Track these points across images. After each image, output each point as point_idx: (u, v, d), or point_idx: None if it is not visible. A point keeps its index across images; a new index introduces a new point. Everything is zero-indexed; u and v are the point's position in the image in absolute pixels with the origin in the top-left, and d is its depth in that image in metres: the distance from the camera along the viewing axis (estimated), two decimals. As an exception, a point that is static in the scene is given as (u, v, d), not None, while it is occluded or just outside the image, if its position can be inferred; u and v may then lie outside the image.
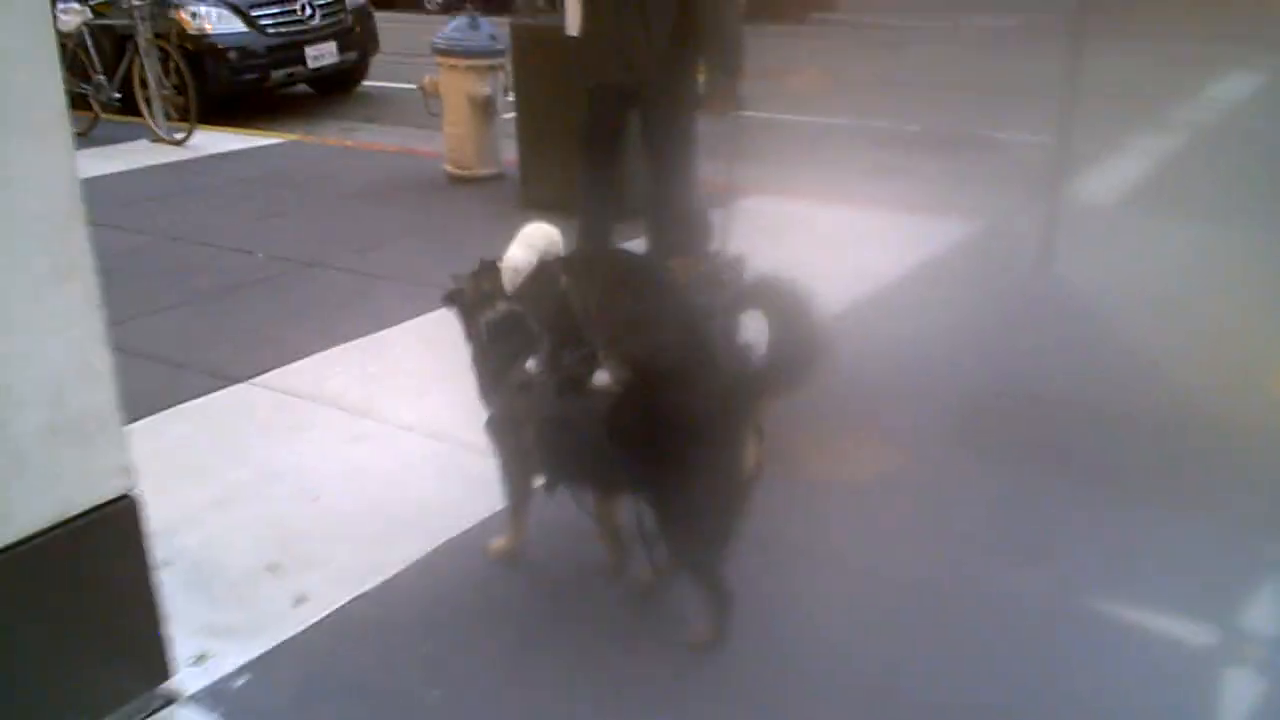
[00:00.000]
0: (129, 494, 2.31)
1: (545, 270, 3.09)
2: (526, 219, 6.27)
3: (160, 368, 4.35)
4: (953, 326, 4.66)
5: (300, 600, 2.78)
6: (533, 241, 3.17)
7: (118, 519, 2.28)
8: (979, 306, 4.93)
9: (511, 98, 6.91)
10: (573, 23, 4.63)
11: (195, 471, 3.50)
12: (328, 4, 10.79)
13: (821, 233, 6.01)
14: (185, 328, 4.79)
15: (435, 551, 3.02)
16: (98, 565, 2.27)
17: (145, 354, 4.48)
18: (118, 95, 9.12)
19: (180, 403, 4.02)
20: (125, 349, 4.56)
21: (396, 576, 2.89)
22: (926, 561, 3.00)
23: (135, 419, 3.88)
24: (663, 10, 4.30)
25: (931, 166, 7.94)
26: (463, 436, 3.65)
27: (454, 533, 3.11)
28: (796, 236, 5.68)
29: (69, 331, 2.17)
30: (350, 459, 3.55)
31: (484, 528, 3.13)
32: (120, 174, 7.96)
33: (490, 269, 2.99)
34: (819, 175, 7.39)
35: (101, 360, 2.24)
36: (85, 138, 9.13)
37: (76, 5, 8.96)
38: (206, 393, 4.10)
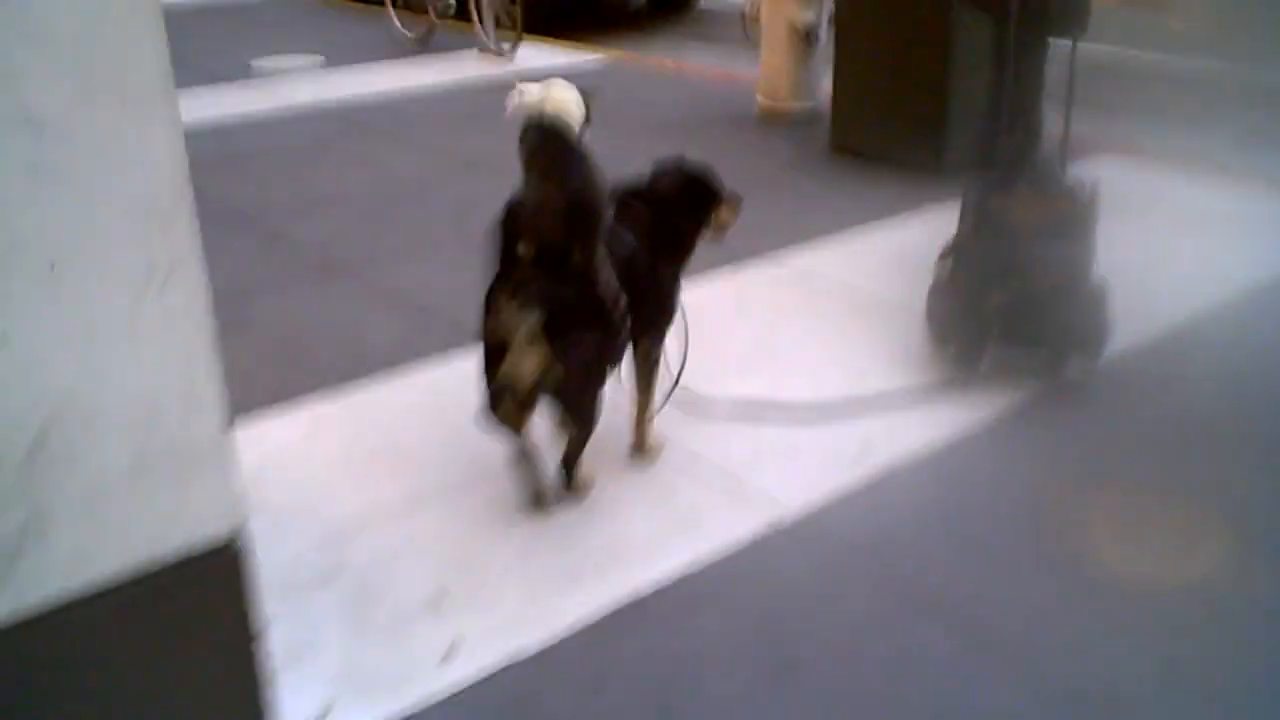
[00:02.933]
0: (233, 540, 1.97)
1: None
2: (835, 166, 5.58)
3: (414, 317, 4.12)
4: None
5: (450, 654, 2.39)
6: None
7: (217, 569, 1.95)
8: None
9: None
10: None
11: (398, 462, 3.18)
12: (670, -86, 10.32)
13: (1180, 211, 4.95)
14: (445, 274, 4.53)
15: (619, 611, 2.55)
16: (190, 623, 1.95)
17: (399, 300, 4.27)
18: (454, 4, 9.12)
19: (418, 359, 3.76)
20: (381, 290, 4.42)
21: (562, 643, 2.44)
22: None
23: (370, 373, 3.66)
24: None
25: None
26: (682, 462, 3.16)
27: (642, 583, 2.63)
28: (1150, 214, 4.69)
29: (166, 344, 1.83)
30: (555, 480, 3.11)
31: (686, 581, 2.63)
32: (440, 86, 7.95)
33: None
34: (1188, 136, 6.18)
35: (206, 379, 1.89)
36: (422, 43, 9.24)
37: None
38: (444, 350, 3.80)
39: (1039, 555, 2.73)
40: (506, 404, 2.70)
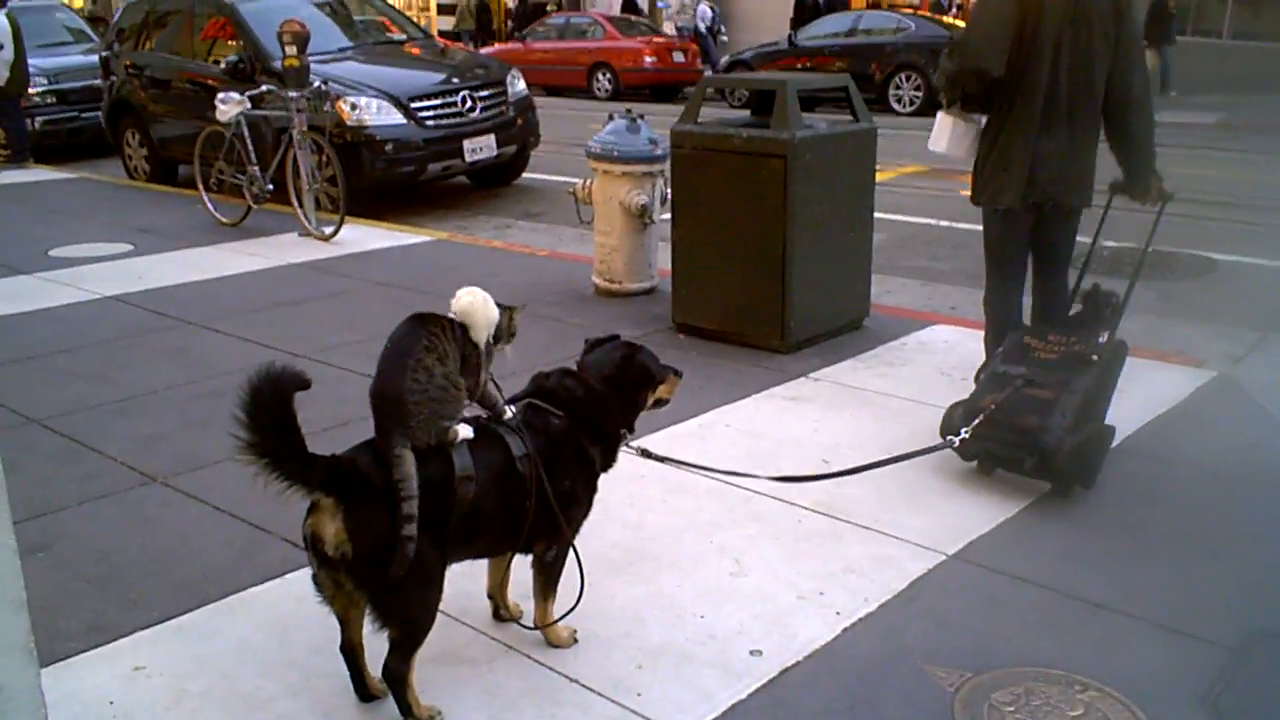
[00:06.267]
0: None
1: None
2: (679, 346, 5.48)
3: (245, 533, 3.73)
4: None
5: None
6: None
7: None
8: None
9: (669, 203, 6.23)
10: (940, 140, 4.38)
11: (237, 710, 2.80)
12: (489, 96, 10.42)
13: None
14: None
15: None
16: None
17: (226, 513, 3.88)
18: (271, 187, 8.88)
19: (252, 583, 3.39)
20: (209, 501, 4.03)
21: None
22: None
23: (199, 601, 3.28)
24: (1089, 125, 4.17)
25: (1146, 295, 6.83)
26: (563, 687, 2.88)
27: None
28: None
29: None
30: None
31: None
32: (259, 272, 7.62)
33: None
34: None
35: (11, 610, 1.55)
36: (238, 228, 8.91)
37: (236, 96, 8.75)
38: (281, 571, 3.44)
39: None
40: (322, 575, 2.57)
